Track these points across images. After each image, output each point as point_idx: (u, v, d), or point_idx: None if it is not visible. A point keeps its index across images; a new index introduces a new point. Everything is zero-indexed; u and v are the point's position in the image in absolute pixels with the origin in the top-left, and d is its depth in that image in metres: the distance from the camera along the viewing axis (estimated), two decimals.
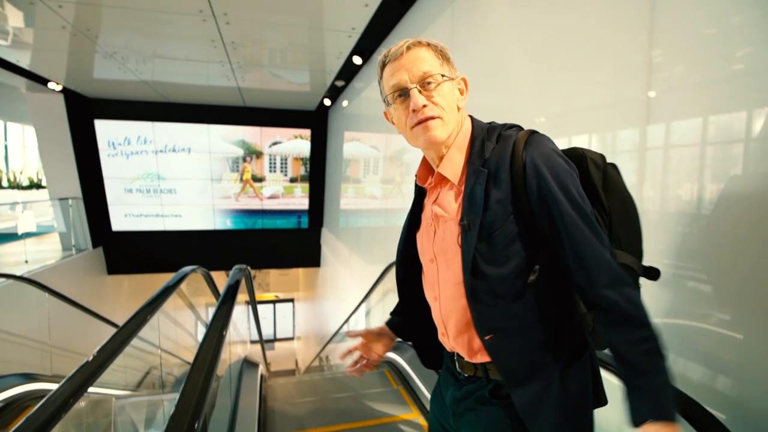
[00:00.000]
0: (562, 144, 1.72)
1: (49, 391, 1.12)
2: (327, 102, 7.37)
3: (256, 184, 8.52)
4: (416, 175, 1.03)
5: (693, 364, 1.34)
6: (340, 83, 6.14)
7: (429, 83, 0.89)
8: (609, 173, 0.96)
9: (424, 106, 0.89)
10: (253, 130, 8.21)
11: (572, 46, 1.84)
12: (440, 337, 1.02)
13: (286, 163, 8.55)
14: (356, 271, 6.01)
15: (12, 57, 5.08)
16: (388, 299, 4.20)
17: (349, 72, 5.57)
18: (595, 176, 0.94)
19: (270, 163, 8.48)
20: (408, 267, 1.09)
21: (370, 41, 4.34)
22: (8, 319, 4.53)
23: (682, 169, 1.40)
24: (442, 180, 0.96)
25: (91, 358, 1.28)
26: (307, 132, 8.40)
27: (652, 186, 1.50)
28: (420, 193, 1.06)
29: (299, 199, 8.82)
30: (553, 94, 1.97)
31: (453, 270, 0.92)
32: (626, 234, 0.95)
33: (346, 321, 5.63)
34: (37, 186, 11.57)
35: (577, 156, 0.96)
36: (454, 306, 0.94)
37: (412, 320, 1.13)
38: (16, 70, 5.48)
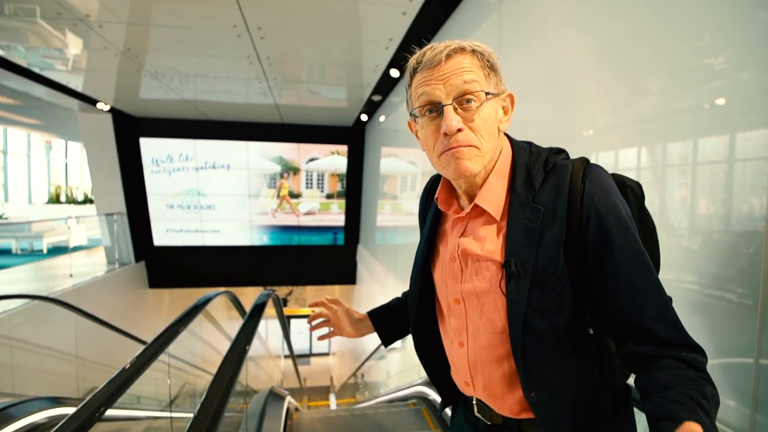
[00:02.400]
0: (608, 160, 1.57)
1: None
2: (364, 117, 7.27)
3: (293, 200, 8.51)
4: (437, 199, 0.87)
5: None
6: (377, 98, 6.01)
7: (469, 101, 0.74)
8: (645, 204, 0.88)
9: (459, 130, 0.74)
10: (290, 146, 8.23)
11: (623, 53, 1.65)
12: (463, 387, 0.91)
13: (322, 180, 8.50)
14: (392, 293, 5.74)
15: (65, 80, 5.33)
16: None
17: (386, 86, 5.42)
18: (634, 207, 0.84)
19: (307, 180, 8.45)
20: (424, 303, 0.94)
21: (408, 52, 4.13)
22: (44, 334, 4.61)
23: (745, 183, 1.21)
24: (476, 211, 0.81)
25: (102, 386, 1.30)
26: (344, 148, 8.33)
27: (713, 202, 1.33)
28: (436, 218, 0.92)
29: (335, 215, 8.72)
30: (601, 105, 1.77)
31: (490, 318, 0.80)
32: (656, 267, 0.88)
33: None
34: (90, 201, 12.19)
35: (618, 184, 0.83)
36: (488, 357, 0.82)
37: (428, 359, 1.00)
38: (71, 93, 5.76)
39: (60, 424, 1.13)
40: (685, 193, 1.40)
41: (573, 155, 0.83)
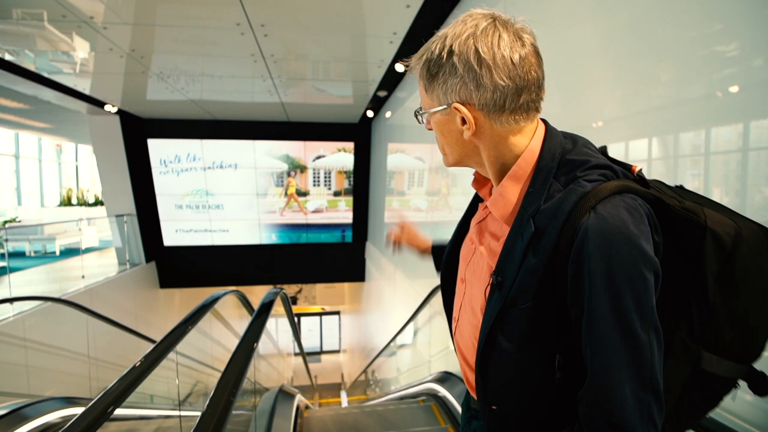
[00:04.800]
0: (618, 152, 1.36)
1: None
2: (370, 114, 7.23)
3: (301, 199, 8.52)
4: (474, 174, 0.85)
5: None
6: (382, 93, 5.97)
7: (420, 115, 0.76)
8: (739, 256, 0.65)
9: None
10: (297, 144, 8.22)
11: (632, 41, 1.61)
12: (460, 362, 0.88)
13: (329, 177, 8.49)
14: (400, 290, 5.75)
15: (73, 83, 5.38)
16: (435, 322, 3.90)
17: (391, 81, 5.38)
18: (711, 260, 0.65)
19: (314, 177, 8.45)
20: (451, 275, 0.93)
21: (412, 46, 4.10)
22: (57, 335, 4.66)
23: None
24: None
25: (111, 385, 1.33)
26: (350, 145, 8.31)
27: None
28: (476, 199, 0.92)
29: (343, 212, 8.71)
30: (610, 95, 1.74)
31: (473, 310, 0.78)
32: (736, 336, 0.67)
33: (392, 340, 5.40)
34: (101, 203, 12.33)
35: (693, 221, 0.65)
36: (467, 344, 0.81)
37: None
38: (79, 96, 5.81)
39: (69, 423, 1.14)
40: (698, 184, 1.37)
41: None
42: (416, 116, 0.77)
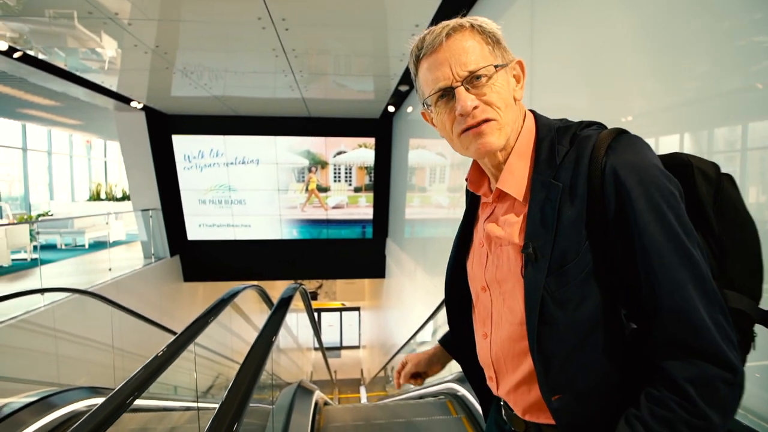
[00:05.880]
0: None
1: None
2: (391, 109, 7.17)
3: (321, 194, 8.53)
4: (467, 179, 0.85)
5: None
6: (404, 88, 5.89)
7: (479, 77, 0.71)
8: (724, 188, 0.71)
9: (475, 108, 0.71)
10: (318, 140, 8.23)
11: (665, 32, 1.51)
12: (487, 382, 0.85)
13: (350, 173, 8.48)
14: (420, 287, 5.69)
15: (101, 80, 5.50)
16: None
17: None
18: (704, 192, 0.70)
19: (335, 173, 8.45)
20: (457, 292, 0.91)
21: None
22: (85, 326, 4.79)
23: None
24: (502, 194, 0.78)
25: (130, 377, 1.35)
26: (371, 141, 8.27)
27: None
28: (473, 202, 0.89)
29: (364, 208, 8.69)
30: (641, 88, 1.64)
31: (511, 307, 0.74)
32: (741, 268, 0.70)
33: (413, 337, 5.36)
34: (128, 198, 12.67)
35: (680, 165, 0.72)
36: (509, 351, 0.76)
37: (464, 356, 0.95)
38: (107, 92, 5.94)
39: (83, 418, 1.14)
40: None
41: None
42: (480, 72, 0.72)
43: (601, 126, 0.74)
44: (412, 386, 1.15)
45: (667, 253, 0.61)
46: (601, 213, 0.65)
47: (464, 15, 0.75)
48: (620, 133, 0.69)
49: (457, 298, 0.92)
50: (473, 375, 0.94)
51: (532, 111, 0.80)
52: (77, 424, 1.08)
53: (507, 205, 0.77)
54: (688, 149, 1.47)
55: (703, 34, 1.38)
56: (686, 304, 0.59)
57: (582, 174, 0.67)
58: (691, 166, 0.71)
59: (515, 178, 0.74)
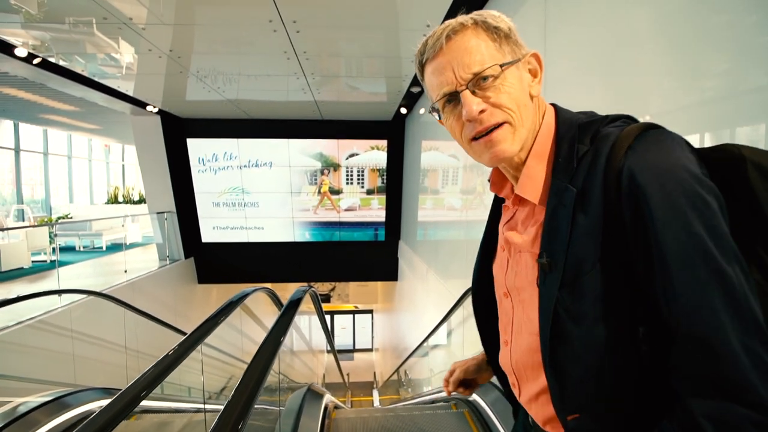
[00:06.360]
0: None
1: None
2: (403, 111, 7.14)
3: (334, 197, 8.54)
4: (489, 180, 0.81)
5: None
6: (416, 89, 5.86)
7: (485, 79, 0.66)
8: None
9: (482, 112, 0.66)
10: (330, 142, 8.24)
11: (686, 27, 1.43)
12: (511, 386, 0.81)
13: (362, 175, 8.46)
14: (432, 290, 5.63)
15: (117, 84, 5.59)
16: (468, 324, 3.77)
17: None
18: (761, 189, 0.57)
19: (347, 176, 8.45)
20: (484, 295, 0.88)
21: None
22: (101, 327, 4.86)
23: None
24: (522, 199, 0.73)
25: (137, 378, 1.38)
26: (383, 143, 8.25)
27: None
28: (497, 203, 0.86)
29: (376, 211, 8.66)
30: (660, 86, 1.56)
31: (530, 316, 0.70)
32: None
33: (425, 340, 5.31)
34: (145, 201, 12.89)
35: (729, 159, 0.60)
36: (529, 360, 0.71)
37: (494, 359, 0.89)
38: (123, 97, 6.04)
39: (92, 416, 1.17)
40: None
41: None
42: (485, 73, 0.66)
43: (628, 120, 0.66)
44: (458, 393, 1.10)
45: (689, 268, 0.53)
46: (619, 221, 0.58)
47: (467, 12, 0.70)
48: (646, 129, 0.60)
49: (483, 302, 0.88)
50: (503, 379, 0.90)
51: (554, 105, 0.74)
52: (86, 421, 1.12)
53: (527, 209, 0.73)
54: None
55: (725, 30, 1.32)
56: (710, 329, 0.51)
57: (598, 177, 0.60)
58: (744, 161, 0.59)
59: (534, 183, 0.69)
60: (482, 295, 0.88)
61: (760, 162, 0.58)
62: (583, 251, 0.60)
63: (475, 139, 0.68)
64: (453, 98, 0.69)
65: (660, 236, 0.54)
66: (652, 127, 0.61)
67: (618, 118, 0.67)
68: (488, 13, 0.69)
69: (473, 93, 0.66)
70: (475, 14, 0.69)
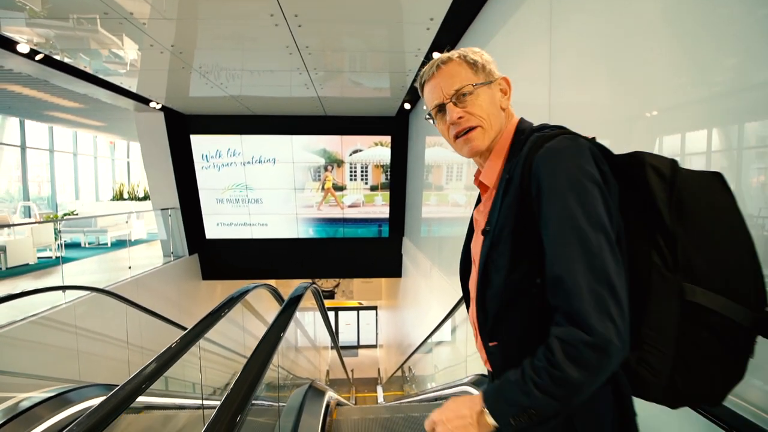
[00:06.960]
0: (674, 144, 1.47)
1: None
2: (407, 106, 7.08)
3: (337, 193, 8.51)
4: (475, 175, 1.03)
5: None
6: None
7: (464, 95, 0.91)
8: (680, 185, 0.77)
9: (460, 118, 0.91)
10: (333, 139, 8.21)
11: (693, 21, 1.41)
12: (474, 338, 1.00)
13: (366, 171, 8.43)
14: (436, 287, 5.60)
15: (120, 80, 5.59)
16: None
17: None
18: (657, 188, 0.77)
19: (350, 172, 8.41)
20: (467, 275, 1.05)
21: (450, 33, 3.93)
22: (105, 323, 4.87)
23: None
24: (484, 186, 0.97)
25: (135, 373, 1.45)
26: (387, 139, 8.20)
27: None
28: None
29: (380, 207, 8.63)
30: (667, 82, 1.54)
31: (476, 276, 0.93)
32: (708, 266, 0.74)
33: (428, 337, 5.29)
34: (149, 197, 12.94)
35: (635, 164, 0.81)
36: (474, 310, 0.94)
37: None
38: (127, 94, 6.05)
39: (86, 413, 1.21)
40: (764, 178, 1.30)
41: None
42: (463, 90, 0.91)
43: (556, 128, 0.86)
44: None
45: (560, 232, 0.73)
46: (528, 198, 0.80)
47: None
48: (558, 135, 0.81)
49: (467, 280, 1.03)
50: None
51: (520, 118, 0.96)
52: (82, 416, 1.16)
53: (488, 194, 0.95)
54: (715, 146, 1.40)
55: (734, 24, 1.28)
56: (565, 274, 0.71)
57: (519, 168, 0.82)
58: (644, 164, 0.79)
59: (491, 172, 0.93)
60: (465, 275, 1.04)
61: (656, 164, 0.79)
62: (504, 220, 0.83)
63: (457, 137, 0.93)
64: (442, 109, 0.94)
65: (547, 208, 0.76)
66: (565, 134, 0.82)
67: (553, 127, 0.87)
68: (470, 50, 0.94)
69: (455, 104, 0.91)
70: (460, 50, 0.94)
